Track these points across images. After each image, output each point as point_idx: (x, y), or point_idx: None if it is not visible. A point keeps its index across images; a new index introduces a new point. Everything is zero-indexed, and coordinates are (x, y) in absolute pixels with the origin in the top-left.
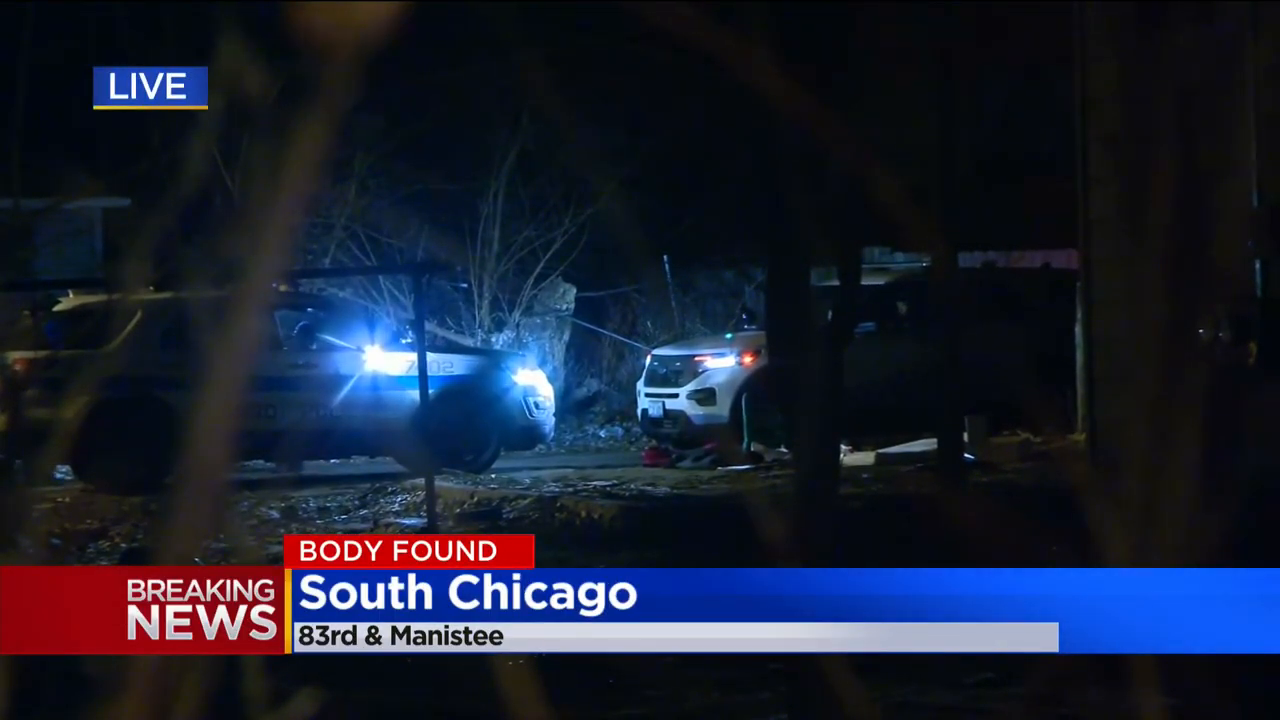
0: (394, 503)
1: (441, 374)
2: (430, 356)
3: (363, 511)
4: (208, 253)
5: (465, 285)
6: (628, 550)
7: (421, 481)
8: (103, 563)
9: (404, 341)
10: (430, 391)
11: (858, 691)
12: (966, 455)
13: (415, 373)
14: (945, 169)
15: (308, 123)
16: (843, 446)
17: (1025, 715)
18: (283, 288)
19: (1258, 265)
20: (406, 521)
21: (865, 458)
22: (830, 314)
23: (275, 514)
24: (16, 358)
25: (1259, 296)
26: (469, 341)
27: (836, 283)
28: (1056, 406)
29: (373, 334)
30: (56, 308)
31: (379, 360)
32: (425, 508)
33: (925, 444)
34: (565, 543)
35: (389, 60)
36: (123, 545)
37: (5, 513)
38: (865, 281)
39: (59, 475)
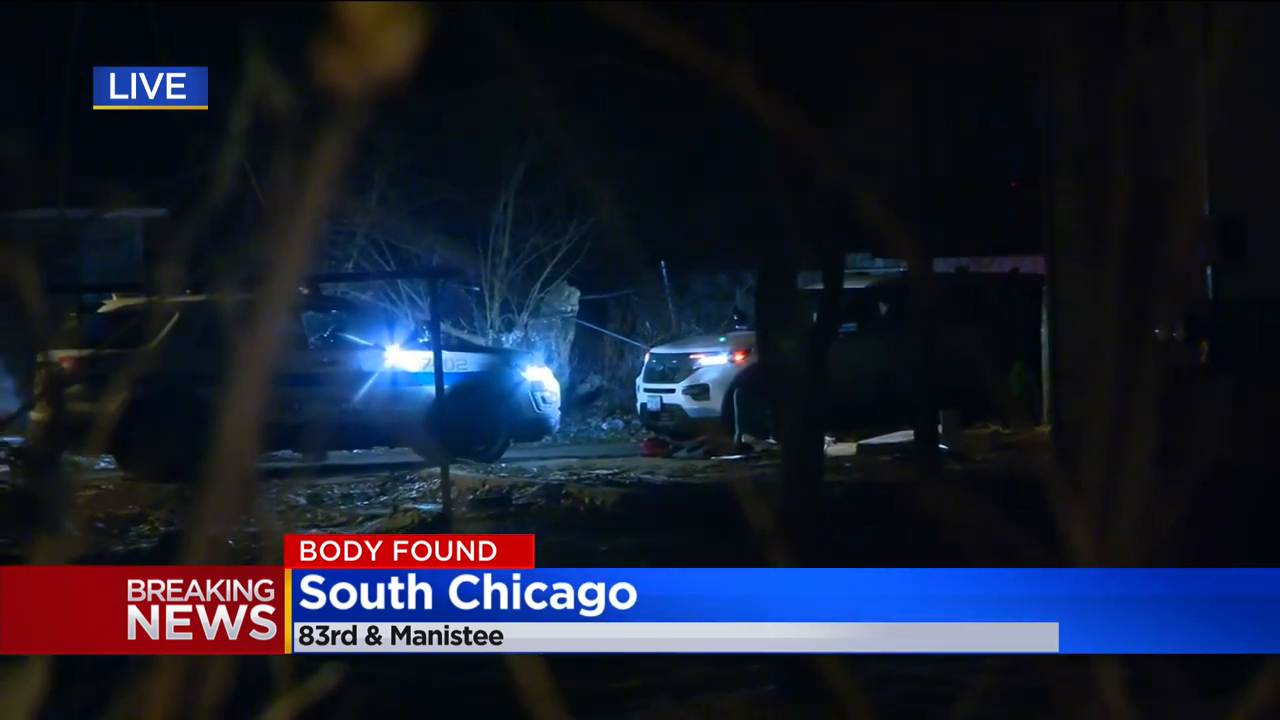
0: (412, 490)
1: (455, 371)
2: (445, 355)
3: (383, 498)
4: (238, 258)
5: (477, 289)
6: (628, 534)
7: (437, 470)
8: (143, 546)
9: (420, 341)
10: (445, 387)
11: (840, 663)
12: (941, 446)
13: (431, 370)
14: (922, 181)
15: (330, 138)
16: (827, 438)
17: (997, 685)
18: (307, 291)
19: (1209, 271)
20: (423, 507)
21: (847, 448)
22: (815, 315)
23: (302, 500)
24: (63, 356)
25: (1210, 300)
26: (481, 341)
27: (821, 286)
28: (1024, 400)
29: (392, 334)
30: (100, 309)
31: (397, 358)
32: (440, 494)
33: (903, 435)
34: (570, 527)
35: (406, 82)
36: (161, 529)
37: (52, 499)
38: (847, 285)
39: (102, 464)
